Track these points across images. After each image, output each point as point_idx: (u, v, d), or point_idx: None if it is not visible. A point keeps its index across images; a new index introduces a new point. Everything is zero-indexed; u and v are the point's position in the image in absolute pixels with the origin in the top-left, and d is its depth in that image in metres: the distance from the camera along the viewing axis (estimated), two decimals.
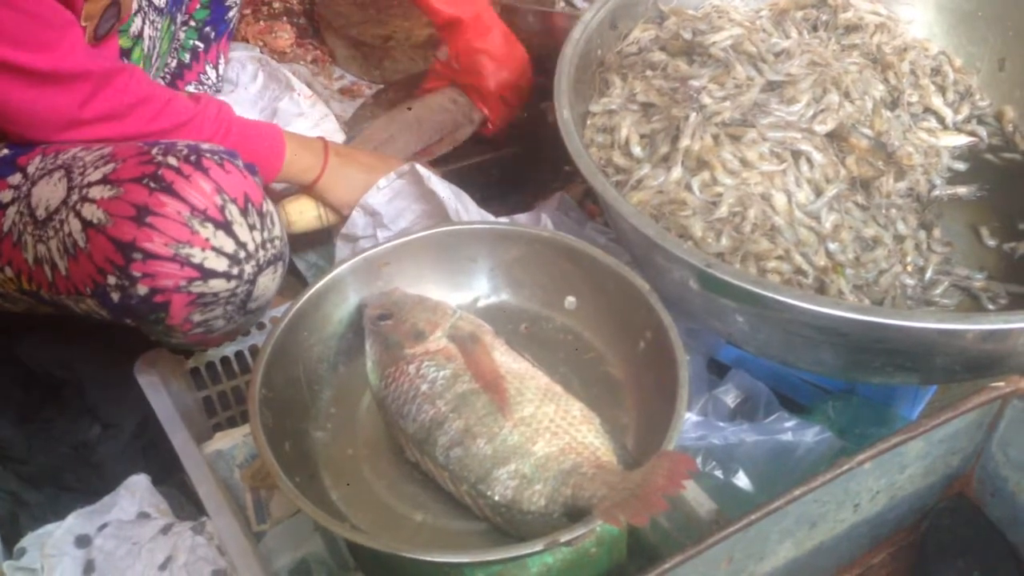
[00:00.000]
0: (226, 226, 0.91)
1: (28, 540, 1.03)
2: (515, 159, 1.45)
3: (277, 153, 1.17)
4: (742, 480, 1.00)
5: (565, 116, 1.06)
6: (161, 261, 0.89)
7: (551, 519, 0.77)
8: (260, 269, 0.95)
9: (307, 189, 1.24)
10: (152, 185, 0.90)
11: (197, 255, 0.90)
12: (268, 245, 0.96)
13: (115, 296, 0.92)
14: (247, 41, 1.73)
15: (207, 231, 0.90)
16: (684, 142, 1.05)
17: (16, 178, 1.00)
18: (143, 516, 1.05)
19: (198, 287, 0.91)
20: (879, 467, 0.83)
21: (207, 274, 0.91)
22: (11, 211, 0.98)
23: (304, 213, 1.26)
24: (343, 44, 1.75)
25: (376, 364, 0.88)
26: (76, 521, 1.03)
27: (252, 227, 0.94)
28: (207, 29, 1.44)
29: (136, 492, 1.06)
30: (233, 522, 0.94)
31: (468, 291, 1.00)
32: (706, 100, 1.09)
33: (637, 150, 1.09)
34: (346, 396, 0.93)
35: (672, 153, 1.06)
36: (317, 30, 1.80)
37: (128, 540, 1.01)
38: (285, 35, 1.76)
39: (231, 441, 1.08)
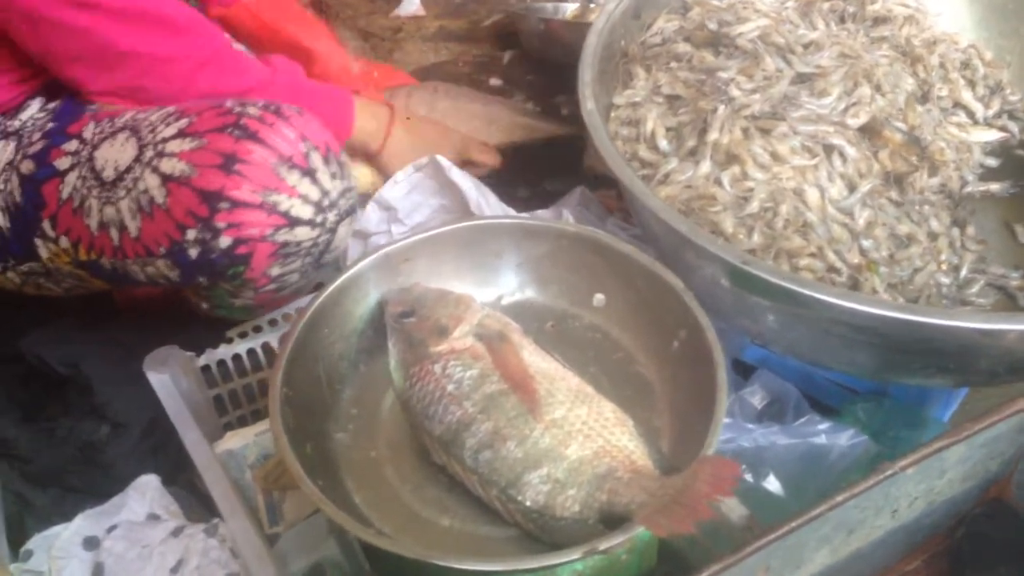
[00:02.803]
0: (311, 173, 0.91)
1: (35, 542, 1.00)
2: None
3: (345, 122, 1.16)
4: (772, 484, 0.97)
5: (589, 108, 1.03)
6: (248, 209, 0.88)
7: (586, 525, 0.74)
8: (341, 218, 0.95)
9: (368, 156, 1.22)
10: (236, 133, 0.89)
11: (284, 202, 0.90)
12: (347, 194, 0.96)
13: (193, 252, 0.91)
14: None
15: (293, 178, 0.90)
16: (712, 135, 1.02)
17: (72, 144, 0.98)
18: (153, 518, 1.02)
19: (283, 235, 0.91)
20: (920, 472, 0.81)
21: (293, 222, 0.91)
22: (71, 177, 0.96)
23: (358, 180, 1.23)
24: (352, 35, 1.72)
25: (400, 363, 0.85)
26: (84, 522, 1.00)
27: (334, 175, 0.94)
28: None
29: (146, 493, 1.03)
30: (248, 525, 0.91)
31: (492, 288, 0.97)
32: (735, 92, 1.06)
33: (663, 144, 1.06)
34: (368, 396, 0.90)
35: (700, 147, 1.03)
36: (326, 21, 1.77)
37: (138, 543, 0.98)
38: None
39: (242, 441, 1.05)
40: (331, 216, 0.94)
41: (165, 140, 0.92)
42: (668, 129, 1.08)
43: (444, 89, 1.40)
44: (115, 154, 0.94)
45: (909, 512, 0.86)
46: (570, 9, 1.66)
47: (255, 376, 1.13)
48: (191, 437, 0.99)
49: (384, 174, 1.23)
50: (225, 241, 0.90)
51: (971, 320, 0.80)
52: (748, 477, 0.98)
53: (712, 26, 1.15)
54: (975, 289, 1.02)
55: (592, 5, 1.67)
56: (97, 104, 1.01)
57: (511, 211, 1.17)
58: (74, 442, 1.08)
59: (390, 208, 1.22)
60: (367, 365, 0.92)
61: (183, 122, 0.93)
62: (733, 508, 0.84)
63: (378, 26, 1.71)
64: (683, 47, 1.15)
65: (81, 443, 1.07)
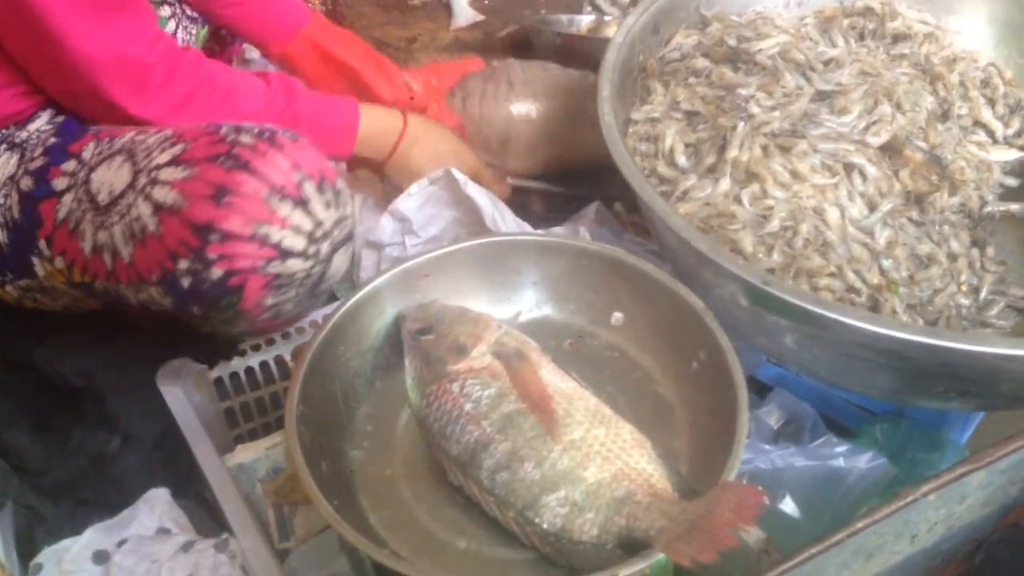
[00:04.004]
0: (303, 204, 0.90)
1: (45, 555, 0.98)
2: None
3: (348, 137, 1.13)
4: (789, 506, 0.96)
5: (608, 122, 1.02)
6: (239, 241, 0.87)
7: (604, 550, 0.73)
8: (335, 248, 0.94)
9: (375, 167, 1.20)
10: (228, 164, 0.88)
11: (275, 234, 0.88)
12: (343, 223, 0.94)
13: (185, 282, 0.89)
14: None
15: (285, 209, 0.89)
16: (732, 152, 1.02)
17: (71, 165, 0.97)
18: (163, 532, 1.01)
19: (275, 267, 0.90)
20: (941, 498, 0.80)
21: (285, 254, 0.90)
22: (67, 198, 0.95)
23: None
24: None
25: (417, 381, 0.84)
26: (94, 536, 0.99)
27: (328, 204, 0.92)
28: (222, 31, 1.40)
29: (156, 506, 1.02)
30: (260, 542, 0.90)
31: (510, 305, 0.96)
32: (754, 109, 1.05)
33: (682, 160, 1.06)
34: (383, 413, 0.89)
35: (719, 164, 1.03)
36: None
37: (148, 557, 0.97)
38: None
39: (253, 454, 1.05)
40: (324, 247, 0.92)
41: (159, 167, 0.90)
42: (687, 145, 1.07)
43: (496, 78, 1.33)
44: (111, 178, 0.93)
45: (928, 537, 0.85)
46: (585, 22, 1.66)
47: (267, 389, 1.12)
48: (202, 450, 0.98)
49: (388, 185, 1.21)
50: (217, 272, 0.88)
51: (996, 345, 0.79)
52: (764, 499, 0.97)
53: (731, 42, 1.15)
54: (995, 311, 1.01)
55: (607, 18, 1.67)
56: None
57: (527, 227, 1.16)
58: (85, 454, 1.07)
59: (405, 220, 1.21)
60: (383, 382, 0.91)
61: (177, 148, 0.91)
62: (750, 531, 0.84)
63: (393, 36, 1.70)
64: (702, 63, 1.14)
65: (92, 455, 1.07)
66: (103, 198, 0.93)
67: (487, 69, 1.35)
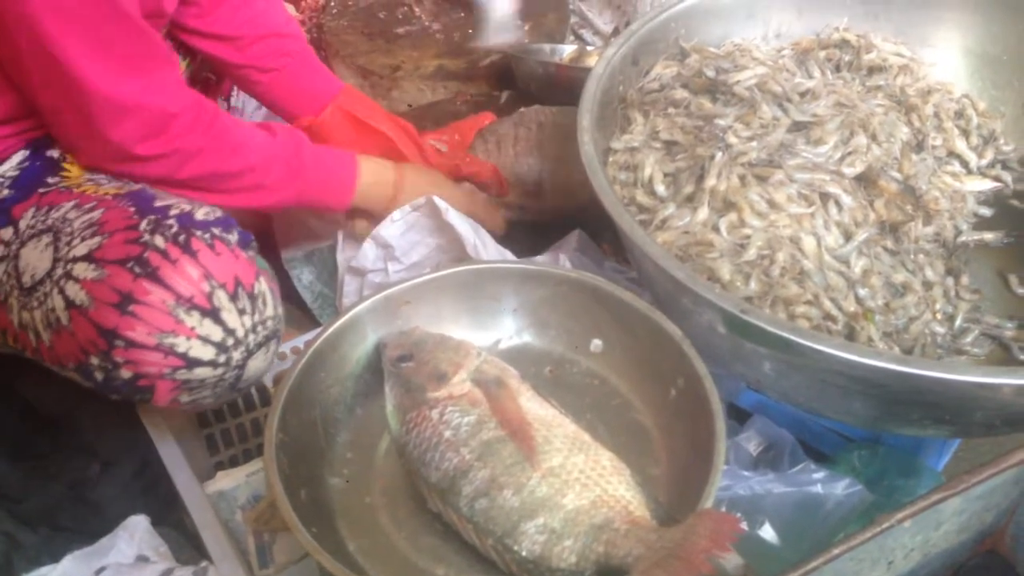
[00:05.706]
0: (213, 313, 0.88)
1: None
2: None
3: (347, 189, 1.15)
4: (768, 533, 0.97)
5: (588, 152, 1.03)
6: (144, 350, 0.86)
7: None
8: (250, 354, 0.92)
9: (374, 216, 1.20)
10: (137, 270, 0.86)
11: (182, 344, 0.87)
12: (259, 328, 0.92)
13: (99, 375, 0.89)
14: None
15: (193, 320, 0.87)
16: (710, 182, 1.03)
17: (8, 232, 0.96)
18: (142, 559, 1.01)
19: (183, 375, 0.89)
20: (916, 524, 0.81)
21: (192, 363, 0.88)
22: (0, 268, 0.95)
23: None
24: (351, 73, 1.72)
25: (397, 408, 0.85)
26: (72, 564, 0.98)
27: (242, 312, 0.90)
28: (208, 75, 1.40)
29: (135, 534, 1.02)
30: (239, 570, 0.90)
31: (490, 332, 0.97)
32: (732, 140, 1.06)
33: (661, 189, 1.07)
34: (363, 440, 0.90)
35: (697, 193, 1.04)
36: (325, 58, 1.78)
37: None
38: None
39: (233, 481, 1.05)
40: (236, 354, 0.90)
41: (75, 260, 0.90)
42: (666, 175, 1.08)
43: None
44: (34, 260, 0.93)
45: (905, 564, 0.86)
46: (567, 52, 1.68)
47: (248, 416, 1.13)
48: (182, 478, 0.98)
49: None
50: (126, 374, 0.88)
51: (967, 373, 0.80)
52: (743, 526, 0.97)
53: (710, 73, 1.16)
54: (969, 339, 1.02)
55: (589, 48, 1.69)
56: (59, 177, 1.00)
57: (508, 254, 1.17)
58: (64, 480, 1.06)
59: (387, 246, 1.22)
60: (363, 408, 0.92)
61: (95, 241, 0.90)
62: (729, 558, 0.84)
63: (377, 64, 1.72)
64: (681, 93, 1.16)
65: (71, 481, 1.06)
66: (26, 280, 0.92)
67: (516, 115, 1.37)
